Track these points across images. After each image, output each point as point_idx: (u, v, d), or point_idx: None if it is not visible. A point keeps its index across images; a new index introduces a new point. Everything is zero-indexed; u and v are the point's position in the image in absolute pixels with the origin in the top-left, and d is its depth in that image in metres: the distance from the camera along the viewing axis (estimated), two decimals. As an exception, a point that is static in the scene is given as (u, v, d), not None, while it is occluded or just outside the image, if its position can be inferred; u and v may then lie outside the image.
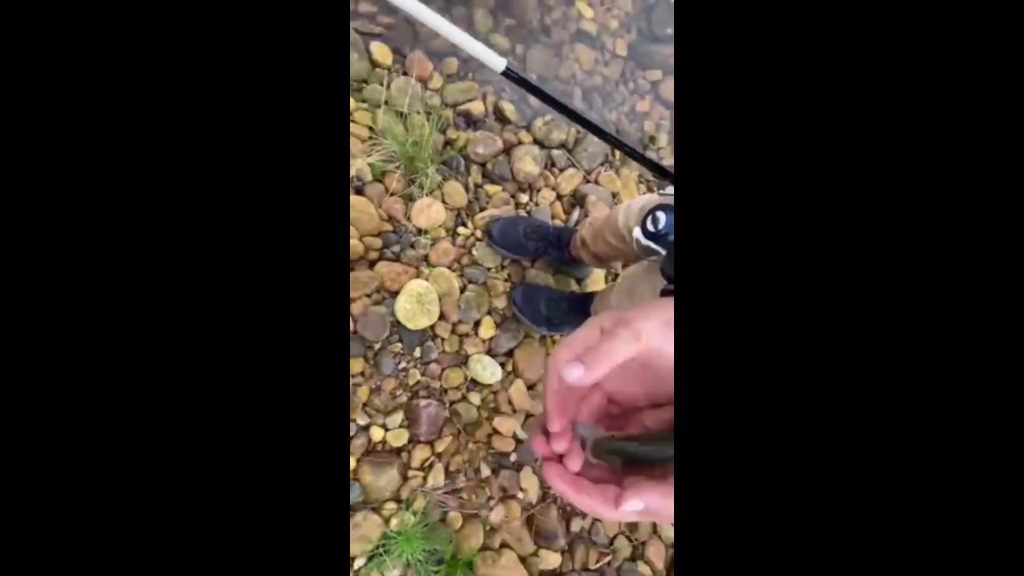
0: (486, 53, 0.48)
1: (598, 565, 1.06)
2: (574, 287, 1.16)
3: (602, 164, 1.24)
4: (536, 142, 1.20)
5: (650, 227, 0.53)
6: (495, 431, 1.05)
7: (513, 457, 1.05)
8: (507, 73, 0.48)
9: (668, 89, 1.32)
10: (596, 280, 1.16)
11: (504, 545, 1.00)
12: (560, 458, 0.26)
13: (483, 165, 1.14)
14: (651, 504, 0.23)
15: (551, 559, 1.02)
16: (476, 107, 1.15)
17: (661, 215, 0.53)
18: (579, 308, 1.04)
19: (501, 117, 1.18)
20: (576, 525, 1.06)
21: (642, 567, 1.09)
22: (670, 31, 1.32)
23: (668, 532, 1.12)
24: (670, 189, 0.54)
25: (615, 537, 1.09)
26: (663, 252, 0.58)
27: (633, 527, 1.11)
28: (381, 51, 1.11)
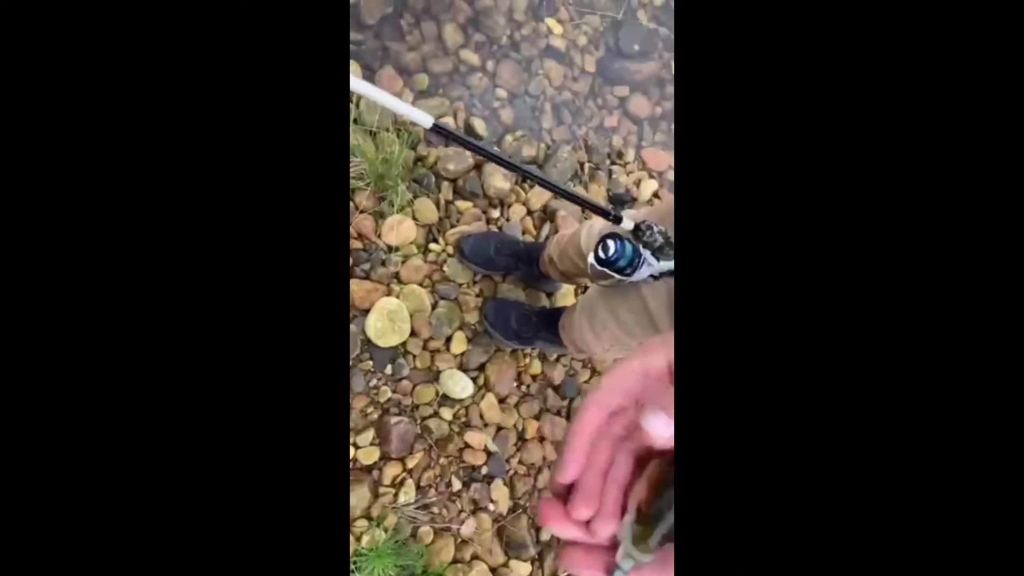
0: (413, 112, 0.49)
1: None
2: (545, 302, 1.18)
3: (571, 179, 1.26)
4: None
5: (601, 254, 0.56)
6: (466, 445, 1.06)
7: (484, 470, 1.07)
8: (436, 128, 0.49)
9: (636, 105, 1.35)
10: (566, 295, 1.18)
11: (475, 557, 1.03)
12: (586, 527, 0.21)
13: (454, 181, 1.15)
14: None
15: (521, 569, 1.04)
16: (447, 123, 1.15)
17: (611, 243, 0.55)
18: (549, 323, 1.07)
19: (472, 133, 1.18)
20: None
21: (610, 572, 1.13)
22: (637, 47, 1.35)
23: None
24: (627, 222, 0.56)
25: (584, 544, 1.12)
26: (616, 276, 0.60)
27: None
28: (351, 68, 1.11)
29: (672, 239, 0.54)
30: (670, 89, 1.39)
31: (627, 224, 0.54)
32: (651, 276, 0.65)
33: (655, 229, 0.53)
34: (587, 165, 1.29)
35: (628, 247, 0.61)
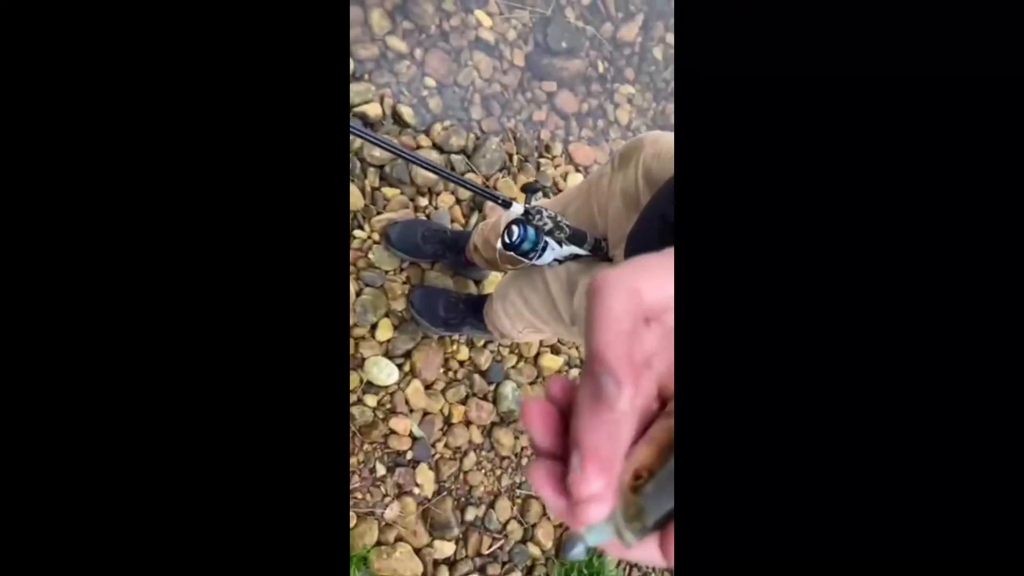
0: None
1: (491, 550, 1.13)
2: (473, 289, 1.21)
3: (500, 170, 1.29)
4: (435, 146, 1.22)
5: (506, 239, 0.59)
6: (391, 431, 1.08)
7: (409, 455, 1.09)
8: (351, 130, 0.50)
9: (564, 101, 1.40)
10: (493, 282, 1.22)
11: (399, 539, 1.04)
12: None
13: (380, 168, 1.15)
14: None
15: (445, 548, 1.07)
16: (373, 109, 1.15)
17: (515, 228, 0.59)
18: (475, 309, 1.09)
19: (399, 120, 1.19)
20: (471, 514, 1.12)
21: (532, 548, 1.18)
22: (565, 45, 1.40)
23: (557, 514, 1.22)
24: (517, 207, 0.60)
25: (507, 522, 1.17)
26: (524, 261, 0.64)
27: (524, 510, 1.19)
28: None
29: (561, 223, 0.59)
30: (596, 87, 1.45)
31: (517, 209, 0.57)
32: (555, 260, 0.69)
33: (544, 213, 0.57)
34: (516, 157, 1.32)
35: (531, 232, 0.64)
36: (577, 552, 0.20)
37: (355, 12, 1.16)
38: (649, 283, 0.17)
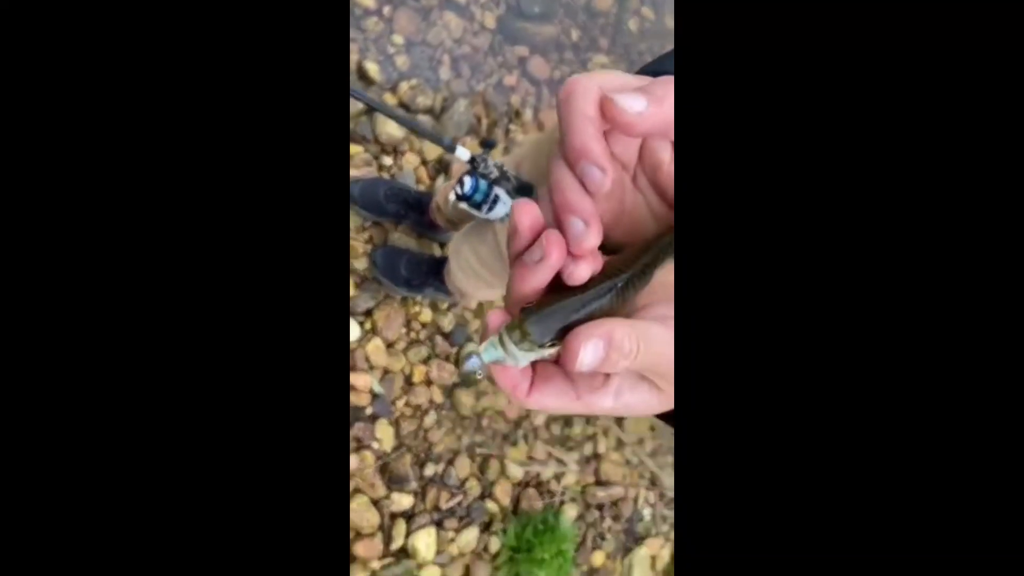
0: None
1: (448, 505, 1.17)
2: (436, 251, 1.21)
3: (468, 133, 1.29)
4: (401, 105, 1.21)
5: (458, 190, 0.60)
6: (352, 387, 1.09)
7: (369, 411, 1.10)
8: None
9: (536, 66, 1.39)
10: (457, 245, 1.23)
11: (357, 491, 1.07)
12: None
13: (344, 125, 1.13)
14: (615, 337, 0.17)
15: (403, 501, 1.10)
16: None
17: (467, 179, 0.60)
18: (438, 271, 1.10)
19: (364, 76, 1.17)
20: (430, 470, 1.15)
21: (490, 504, 1.22)
22: (538, 10, 1.38)
23: (515, 472, 1.26)
24: (463, 151, 0.61)
25: (466, 479, 1.20)
26: (475, 213, 0.65)
27: (484, 468, 1.23)
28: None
29: (507, 172, 0.60)
30: (569, 54, 1.45)
31: (463, 154, 0.58)
32: (507, 215, 0.70)
33: (489, 162, 0.58)
34: (484, 121, 1.31)
35: (482, 184, 0.65)
36: (472, 363, 0.21)
37: (320, -39, 1.13)
38: (613, 82, 0.18)
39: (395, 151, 1.18)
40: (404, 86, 1.20)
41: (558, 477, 1.33)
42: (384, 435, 1.11)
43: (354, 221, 1.11)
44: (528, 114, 1.38)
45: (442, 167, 1.25)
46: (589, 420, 1.41)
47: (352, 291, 1.10)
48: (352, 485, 1.06)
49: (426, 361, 1.18)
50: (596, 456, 1.40)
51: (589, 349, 0.17)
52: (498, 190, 0.66)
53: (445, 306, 1.21)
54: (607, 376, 0.19)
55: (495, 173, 0.59)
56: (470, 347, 0.20)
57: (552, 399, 0.19)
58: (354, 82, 1.16)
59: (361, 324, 1.10)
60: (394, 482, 1.10)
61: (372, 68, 1.17)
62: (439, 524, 1.15)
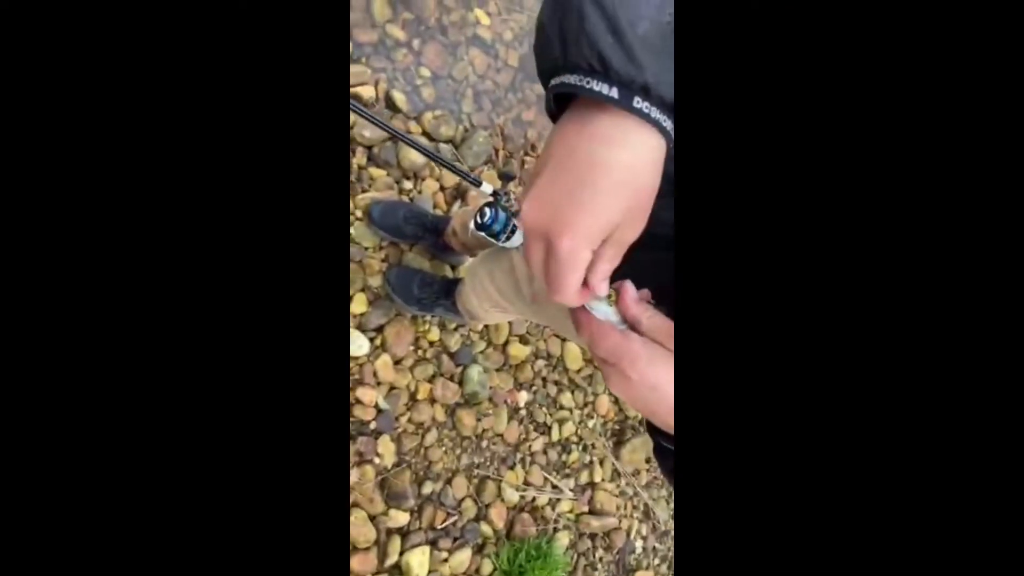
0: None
1: (444, 524, 1.17)
2: (448, 273, 1.25)
3: (486, 163, 1.34)
4: (424, 133, 1.27)
5: (478, 219, 0.64)
6: (358, 400, 1.11)
7: (373, 425, 1.13)
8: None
9: (552, 103, 1.46)
10: (468, 269, 1.27)
11: (355, 504, 1.08)
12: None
13: (369, 149, 1.19)
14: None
15: (400, 518, 1.11)
16: (366, 92, 1.19)
17: (487, 210, 0.64)
18: (448, 292, 1.14)
19: (392, 105, 1.23)
20: (428, 488, 1.17)
21: (484, 527, 1.23)
22: (558, 51, 1.46)
23: (511, 495, 1.27)
24: (487, 186, 0.65)
25: (463, 500, 1.21)
26: (494, 242, 0.70)
27: (480, 490, 1.24)
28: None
29: None
30: (585, 93, 1.52)
31: (487, 187, 0.63)
32: (523, 244, 0.74)
33: (511, 196, 0.63)
34: (502, 152, 1.38)
35: (502, 214, 0.70)
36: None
37: (358, -2, 1.21)
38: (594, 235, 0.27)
39: (416, 176, 1.24)
40: (428, 116, 1.27)
41: (553, 504, 1.33)
42: (386, 450, 1.13)
43: (372, 240, 1.16)
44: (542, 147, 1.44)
45: (459, 193, 1.30)
46: (586, 447, 1.43)
47: (365, 307, 1.14)
48: (351, 499, 1.07)
49: (431, 379, 1.21)
50: (592, 485, 1.41)
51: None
52: (516, 222, 0.70)
53: (453, 326, 1.25)
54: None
55: (516, 207, 0.63)
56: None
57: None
58: (381, 110, 1.22)
59: (372, 340, 1.14)
60: (392, 498, 1.11)
61: (399, 97, 1.23)
62: (433, 543, 1.15)
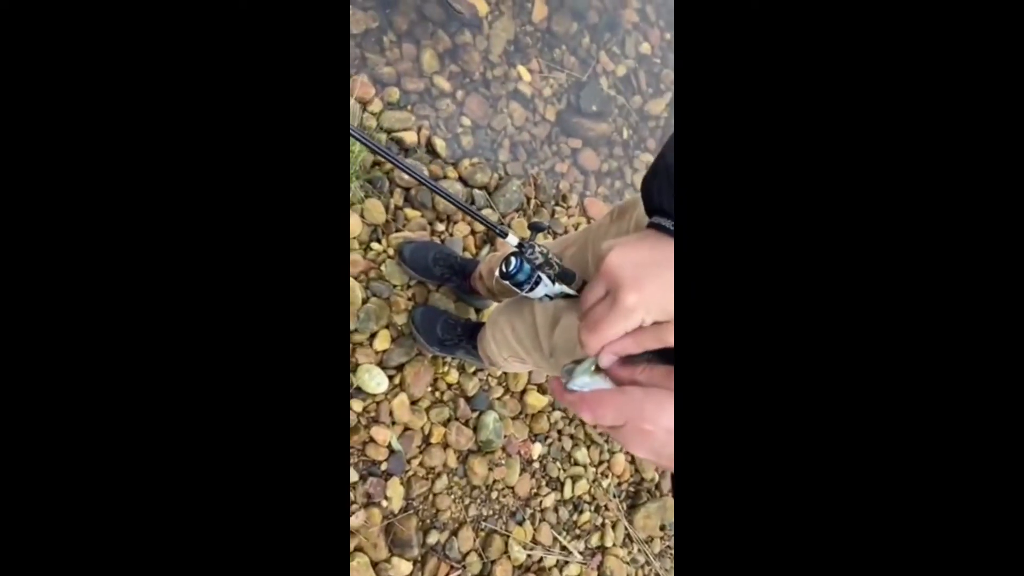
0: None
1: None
2: (472, 316, 1.26)
3: (517, 210, 1.37)
4: (460, 179, 1.31)
5: (503, 268, 0.65)
6: (371, 439, 1.10)
7: (384, 466, 1.11)
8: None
9: (586, 158, 1.49)
10: (491, 313, 1.27)
11: (358, 549, 1.05)
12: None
13: (407, 190, 1.23)
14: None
15: (402, 568, 1.07)
16: (409, 136, 1.25)
17: (512, 260, 0.65)
18: (471, 335, 1.14)
19: (432, 150, 1.28)
20: (433, 538, 1.13)
21: (488, 584, 1.17)
22: (595, 108, 1.51)
23: (518, 554, 1.21)
24: (512, 237, 0.66)
25: (468, 553, 1.17)
26: (517, 291, 0.70)
27: (486, 545, 1.19)
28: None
29: (551, 259, 0.64)
30: (618, 150, 1.55)
31: (512, 240, 0.64)
32: (546, 296, 0.74)
33: (536, 248, 0.63)
34: (533, 201, 1.40)
35: (526, 265, 0.70)
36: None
37: (409, 48, 1.29)
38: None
39: (448, 220, 1.27)
40: (466, 163, 1.31)
41: (560, 566, 1.27)
42: (394, 494, 1.10)
43: (400, 278, 1.18)
44: (574, 199, 1.46)
45: (489, 238, 1.32)
46: (598, 508, 1.36)
47: (388, 344, 1.15)
48: (355, 543, 1.04)
49: (446, 423, 1.19)
50: (602, 549, 1.34)
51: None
52: (540, 273, 0.71)
53: (472, 369, 1.24)
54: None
55: (540, 259, 0.64)
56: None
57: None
58: (422, 155, 1.27)
59: (391, 378, 1.14)
60: (396, 545, 1.08)
61: (440, 144, 1.28)
62: (433, 598, 1.10)
